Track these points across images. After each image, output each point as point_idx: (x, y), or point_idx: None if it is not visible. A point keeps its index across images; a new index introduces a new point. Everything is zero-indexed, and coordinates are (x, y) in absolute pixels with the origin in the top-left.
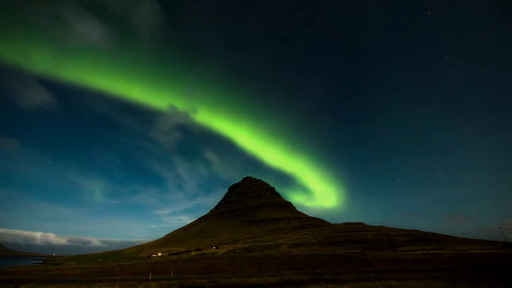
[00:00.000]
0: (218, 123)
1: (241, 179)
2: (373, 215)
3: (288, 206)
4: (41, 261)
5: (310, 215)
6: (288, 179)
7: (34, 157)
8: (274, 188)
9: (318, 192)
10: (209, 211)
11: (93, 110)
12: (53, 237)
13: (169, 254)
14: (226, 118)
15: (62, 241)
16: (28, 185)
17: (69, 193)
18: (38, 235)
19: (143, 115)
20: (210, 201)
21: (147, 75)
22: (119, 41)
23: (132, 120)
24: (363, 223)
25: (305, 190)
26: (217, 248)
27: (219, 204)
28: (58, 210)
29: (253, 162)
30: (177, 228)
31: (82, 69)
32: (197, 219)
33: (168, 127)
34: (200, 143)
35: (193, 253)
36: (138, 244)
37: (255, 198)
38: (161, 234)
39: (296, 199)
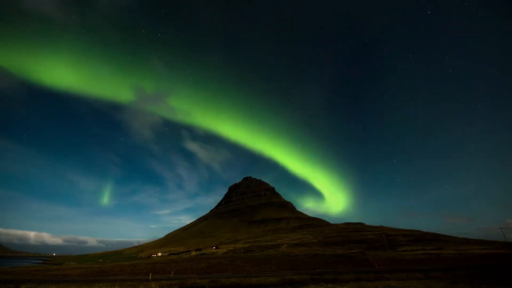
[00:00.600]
0: (218, 123)
1: (241, 179)
2: (373, 215)
3: (288, 206)
4: (41, 261)
5: (310, 215)
6: (288, 179)
7: (34, 157)
8: (274, 188)
9: (318, 192)
10: (209, 211)
11: (93, 110)
12: (47, 237)
13: (169, 254)
14: (226, 119)
15: (58, 240)
16: (28, 185)
17: (69, 193)
18: (32, 234)
19: (141, 115)
20: (210, 201)
21: (147, 75)
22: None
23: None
24: (363, 223)
25: (305, 189)
26: (217, 248)
27: (219, 204)
28: (58, 210)
29: (253, 162)
30: (177, 228)
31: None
32: (197, 219)
33: (167, 127)
34: (199, 143)
35: (193, 253)
36: (137, 244)
37: (255, 198)
38: (161, 234)
39: (296, 199)
